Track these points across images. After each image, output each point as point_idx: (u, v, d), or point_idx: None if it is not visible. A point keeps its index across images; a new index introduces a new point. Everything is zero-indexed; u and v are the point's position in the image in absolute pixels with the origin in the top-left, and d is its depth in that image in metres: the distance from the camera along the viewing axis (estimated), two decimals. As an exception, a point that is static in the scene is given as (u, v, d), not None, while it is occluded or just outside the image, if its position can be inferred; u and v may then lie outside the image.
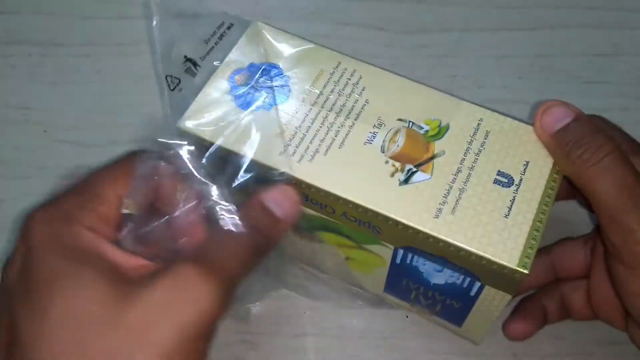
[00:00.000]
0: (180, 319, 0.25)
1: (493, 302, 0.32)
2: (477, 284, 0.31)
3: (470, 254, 0.29)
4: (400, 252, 0.32)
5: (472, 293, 0.32)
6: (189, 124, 0.32)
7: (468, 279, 0.31)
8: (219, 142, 0.31)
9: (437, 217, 0.29)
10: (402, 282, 0.35)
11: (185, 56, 0.33)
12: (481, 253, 0.29)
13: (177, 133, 0.32)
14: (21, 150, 0.45)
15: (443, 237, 0.29)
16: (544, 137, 0.31)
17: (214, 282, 0.26)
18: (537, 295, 0.38)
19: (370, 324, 0.40)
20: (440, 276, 0.32)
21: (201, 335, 0.26)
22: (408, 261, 0.32)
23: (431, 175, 0.30)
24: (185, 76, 0.33)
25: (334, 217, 0.32)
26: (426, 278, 0.33)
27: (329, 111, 0.32)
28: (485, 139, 0.31)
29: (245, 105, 0.32)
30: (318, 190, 0.30)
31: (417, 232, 0.29)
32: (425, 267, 0.32)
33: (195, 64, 0.33)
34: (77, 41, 0.49)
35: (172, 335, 0.25)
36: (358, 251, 0.34)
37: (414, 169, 0.30)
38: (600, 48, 0.48)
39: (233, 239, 0.28)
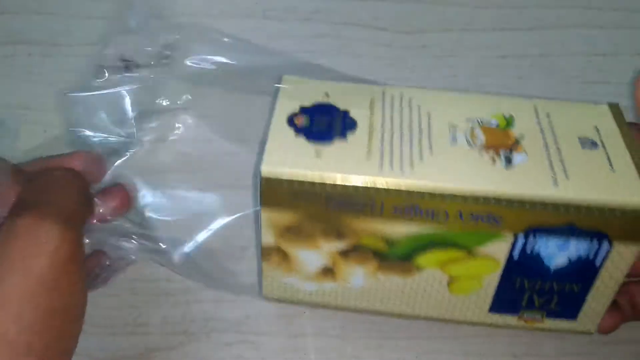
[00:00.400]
0: (28, 265, 0.28)
1: (619, 265, 0.33)
2: (604, 247, 0.32)
3: (601, 207, 0.30)
4: (520, 241, 0.32)
5: (597, 263, 0.33)
6: (277, 169, 0.31)
7: (595, 245, 0.32)
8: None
9: (555, 184, 0.31)
10: (514, 286, 0.34)
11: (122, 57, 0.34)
12: (612, 200, 0.30)
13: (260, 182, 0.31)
14: (21, 150, 0.45)
15: (572, 197, 0.30)
16: None
17: (55, 226, 0.28)
18: (627, 287, 0.36)
19: (371, 324, 0.40)
20: (563, 255, 0.33)
21: (67, 271, 0.29)
22: (528, 251, 0.32)
23: (526, 154, 0.32)
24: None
25: (446, 224, 0.31)
26: (547, 265, 0.33)
27: (401, 128, 0.33)
28: (549, 118, 0.34)
29: (322, 137, 0.32)
30: (433, 194, 0.30)
31: (545, 203, 0.30)
32: (548, 249, 0.32)
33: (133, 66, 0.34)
34: (77, 41, 0.49)
35: (25, 283, 0.27)
36: (467, 263, 0.33)
37: (509, 152, 0.32)
38: (600, 48, 0.48)
39: (51, 179, 0.32)
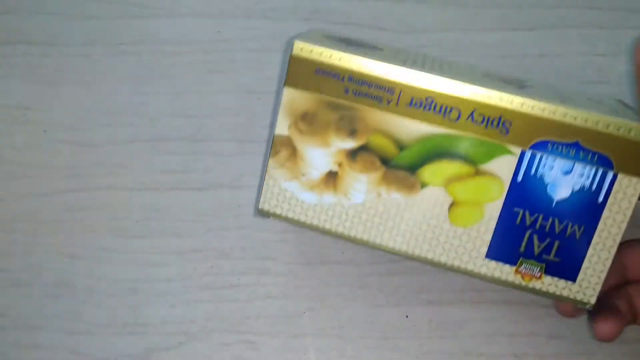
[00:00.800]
0: None
1: (622, 205, 0.33)
2: (609, 177, 0.32)
3: (607, 123, 0.32)
4: (526, 157, 0.33)
5: (601, 198, 0.33)
6: (306, 47, 0.34)
7: (599, 174, 0.32)
8: None
9: (562, 102, 0.32)
10: (515, 221, 0.34)
11: None
12: (617, 120, 0.32)
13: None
14: (21, 150, 0.45)
15: (581, 111, 0.32)
16: None
17: None
18: (608, 296, 0.37)
19: (371, 324, 0.40)
20: (567, 183, 0.33)
21: None
22: (533, 171, 0.33)
23: (534, 88, 0.35)
24: None
25: (457, 125, 0.33)
26: (550, 195, 0.33)
27: (424, 62, 0.36)
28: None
29: (352, 43, 0.36)
30: (449, 89, 0.33)
31: (554, 110, 0.32)
32: (552, 171, 0.33)
33: None
34: (77, 41, 0.49)
35: None
36: (473, 180, 0.33)
37: (521, 83, 0.35)
38: (600, 48, 0.48)
39: None
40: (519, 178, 0.33)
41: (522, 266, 0.34)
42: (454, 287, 0.41)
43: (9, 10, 0.50)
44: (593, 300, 0.34)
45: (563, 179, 0.33)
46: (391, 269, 0.41)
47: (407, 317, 0.40)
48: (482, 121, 0.33)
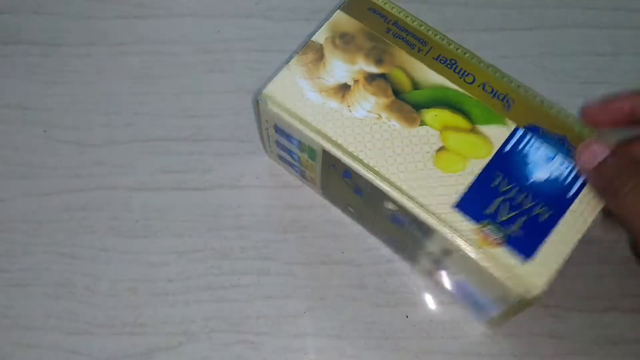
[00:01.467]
0: None
1: (586, 209, 0.34)
2: (581, 179, 0.34)
3: (592, 131, 0.35)
4: (518, 133, 0.36)
5: (571, 193, 0.34)
6: None
7: (574, 172, 0.35)
8: None
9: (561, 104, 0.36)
10: (491, 183, 0.35)
11: None
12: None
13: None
14: (21, 150, 0.45)
15: (573, 117, 0.36)
16: (585, 174, 0.34)
17: None
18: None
19: (371, 324, 0.40)
20: (547, 168, 0.35)
21: None
22: (521, 146, 0.35)
23: None
24: None
25: (469, 87, 0.37)
26: (530, 171, 0.35)
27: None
28: None
29: None
30: (472, 57, 0.38)
31: (551, 106, 0.36)
32: (537, 154, 0.35)
33: None
34: (77, 41, 0.49)
35: None
36: (466, 135, 0.36)
37: None
38: (600, 48, 0.48)
39: None
40: (507, 148, 0.35)
41: (487, 227, 0.34)
42: (454, 287, 0.41)
43: (9, 10, 0.50)
44: (536, 292, 0.33)
45: (544, 163, 0.35)
46: (391, 269, 0.41)
47: (407, 317, 0.40)
48: (491, 92, 0.37)
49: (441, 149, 0.36)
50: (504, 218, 0.34)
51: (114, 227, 0.43)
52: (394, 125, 0.36)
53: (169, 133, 0.45)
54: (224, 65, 0.48)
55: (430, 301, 0.40)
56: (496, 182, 0.35)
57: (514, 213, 0.35)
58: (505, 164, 0.35)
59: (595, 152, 0.33)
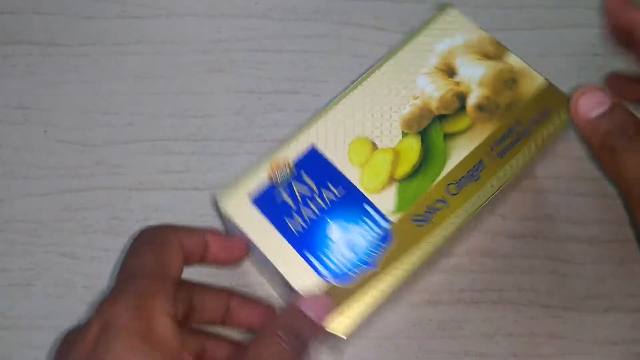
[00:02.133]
0: None
1: None
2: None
3: None
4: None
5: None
6: None
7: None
8: None
9: None
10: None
11: None
12: None
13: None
14: (21, 150, 0.45)
15: None
16: (580, 122, 0.32)
17: None
18: None
19: (371, 324, 0.40)
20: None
21: None
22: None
23: None
24: None
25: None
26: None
27: None
28: None
29: None
30: None
31: None
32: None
33: None
34: (77, 41, 0.49)
35: None
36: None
37: None
38: (600, 48, 0.48)
39: (282, 356, 0.30)
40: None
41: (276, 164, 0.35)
42: (454, 287, 0.41)
43: (9, 11, 0.50)
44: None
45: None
46: (391, 269, 0.41)
47: (406, 316, 0.40)
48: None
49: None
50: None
51: (114, 227, 0.43)
52: None
53: (168, 133, 0.45)
54: (224, 65, 0.48)
55: (429, 301, 0.40)
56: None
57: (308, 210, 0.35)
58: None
59: (594, 102, 0.31)
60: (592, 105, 0.31)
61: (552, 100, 0.37)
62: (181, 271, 0.32)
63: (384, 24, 0.49)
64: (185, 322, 0.34)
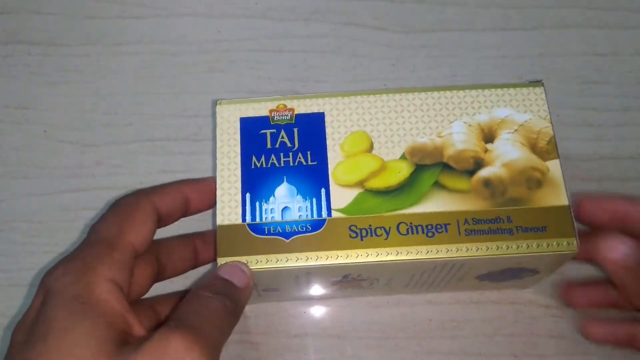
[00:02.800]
0: None
1: None
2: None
3: None
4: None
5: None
6: None
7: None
8: None
9: None
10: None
11: None
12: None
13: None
14: (21, 150, 0.45)
15: None
16: (609, 265, 0.34)
17: (197, 351, 0.28)
18: (632, 321, 0.37)
19: (371, 324, 0.40)
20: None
21: None
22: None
23: None
24: None
25: None
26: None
27: None
28: None
29: None
30: None
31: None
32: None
33: None
34: (77, 41, 0.49)
35: None
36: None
37: None
38: (600, 48, 0.48)
39: (208, 306, 0.30)
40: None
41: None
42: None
43: (9, 11, 0.50)
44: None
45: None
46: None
47: (406, 316, 0.40)
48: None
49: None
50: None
51: (114, 227, 0.43)
52: None
53: (169, 133, 0.45)
54: (224, 65, 0.48)
55: (429, 301, 0.40)
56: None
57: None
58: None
59: (622, 245, 0.34)
60: (619, 249, 0.34)
61: (559, 224, 0.33)
62: (149, 234, 0.32)
63: (384, 24, 0.49)
64: (158, 280, 0.36)
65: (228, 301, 0.31)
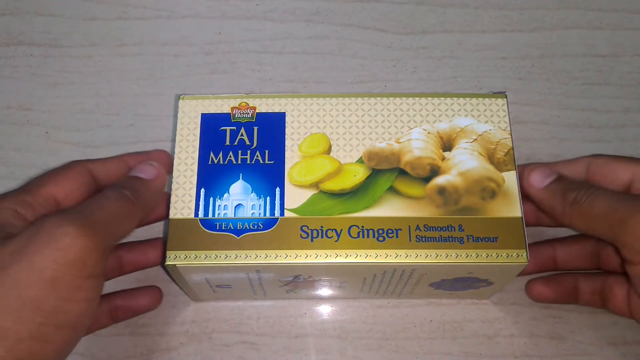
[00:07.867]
0: (32, 258, 0.29)
1: None
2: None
3: None
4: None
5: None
6: None
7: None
8: None
9: None
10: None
11: None
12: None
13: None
14: (22, 151, 0.45)
15: None
16: (536, 192, 0.35)
17: (72, 229, 0.29)
18: (575, 275, 0.39)
19: (371, 325, 0.40)
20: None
21: (69, 273, 0.29)
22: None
23: None
24: None
25: None
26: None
27: None
28: None
29: None
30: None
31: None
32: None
33: None
34: (78, 42, 0.49)
35: (27, 275, 0.29)
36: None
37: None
38: (601, 49, 0.48)
39: (100, 196, 0.33)
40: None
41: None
42: (455, 288, 0.41)
43: (10, 12, 0.50)
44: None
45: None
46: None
47: (407, 317, 0.40)
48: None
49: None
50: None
51: (115, 228, 0.43)
52: None
53: (170, 134, 0.45)
54: (225, 66, 0.48)
55: (430, 302, 0.40)
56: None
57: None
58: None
59: (545, 173, 0.35)
60: (543, 177, 0.35)
61: (510, 235, 0.33)
62: (75, 191, 0.34)
63: (385, 26, 0.49)
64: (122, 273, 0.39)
65: (126, 191, 0.33)
